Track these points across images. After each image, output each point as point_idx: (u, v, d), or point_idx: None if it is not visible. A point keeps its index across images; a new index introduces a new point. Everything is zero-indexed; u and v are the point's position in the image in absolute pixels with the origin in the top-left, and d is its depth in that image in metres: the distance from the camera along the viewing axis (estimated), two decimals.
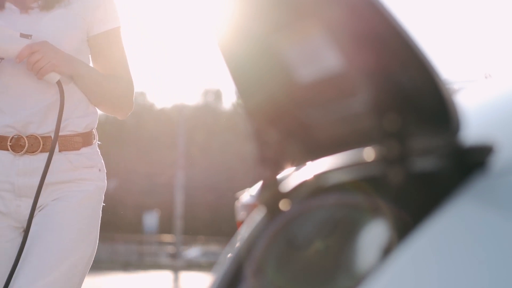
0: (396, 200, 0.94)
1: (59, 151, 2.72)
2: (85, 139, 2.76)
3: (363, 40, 0.95)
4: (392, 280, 0.88)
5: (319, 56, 1.09)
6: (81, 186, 2.73)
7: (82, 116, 2.76)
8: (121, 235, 39.42)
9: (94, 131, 2.81)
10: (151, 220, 36.98)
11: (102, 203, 2.80)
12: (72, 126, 2.74)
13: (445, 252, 0.85)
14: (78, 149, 2.74)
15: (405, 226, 0.92)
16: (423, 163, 0.98)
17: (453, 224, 0.87)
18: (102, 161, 2.82)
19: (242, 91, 1.27)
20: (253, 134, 1.25)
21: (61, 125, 2.70)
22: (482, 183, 0.89)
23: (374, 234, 1.07)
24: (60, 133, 2.71)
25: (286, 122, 1.25)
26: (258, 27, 1.18)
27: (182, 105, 30.26)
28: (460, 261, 0.83)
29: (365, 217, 1.12)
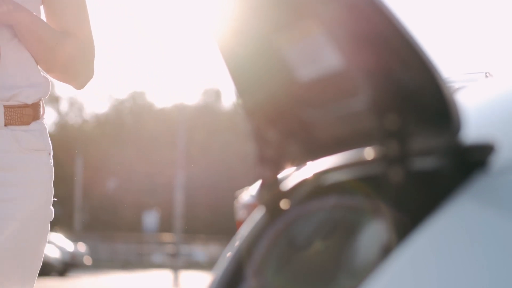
0: (396, 199, 0.94)
1: (5, 125, 2.12)
2: (35, 112, 2.18)
3: (363, 39, 0.95)
4: (392, 280, 0.88)
5: (320, 56, 1.09)
6: (26, 194, 2.12)
7: (34, 85, 2.18)
8: (121, 234, 39.43)
9: (42, 101, 2.23)
10: (151, 219, 37.00)
11: (52, 198, 2.21)
12: (23, 96, 2.15)
13: (445, 252, 0.85)
14: (27, 123, 2.16)
15: (405, 226, 0.92)
16: (424, 163, 0.98)
17: (453, 224, 0.87)
18: (49, 140, 2.25)
19: (241, 91, 1.27)
20: (253, 133, 1.25)
21: (9, 95, 2.12)
22: (482, 182, 0.89)
23: (374, 234, 1.06)
24: (7, 103, 2.13)
25: (286, 121, 1.25)
26: (258, 27, 1.18)
27: (182, 105, 30.25)
28: (460, 261, 0.83)
29: (365, 217, 1.12)
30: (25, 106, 2.14)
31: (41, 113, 2.20)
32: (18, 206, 2.10)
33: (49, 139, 2.22)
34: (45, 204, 2.17)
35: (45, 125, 2.22)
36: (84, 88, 2.31)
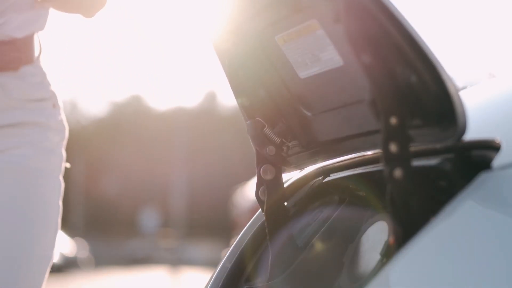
0: (400, 200, 0.93)
1: None
2: (26, 52, 1.60)
3: (367, 38, 0.94)
4: (396, 280, 0.87)
5: (321, 55, 1.08)
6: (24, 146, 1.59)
7: (26, 9, 1.60)
8: (121, 233, 39.55)
9: (37, 36, 1.64)
10: (150, 218, 37.11)
11: (65, 163, 1.67)
12: (10, 26, 1.58)
13: (449, 252, 0.84)
14: (15, 69, 1.58)
15: (409, 226, 0.92)
16: (428, 163, 0.98)
17: (457, 224, 0.87)
18: (53, 89, 1.66)
19: (241, 91, 1.26)
20: (253, 134, 1.25)
21: None
22: (486, 182, 0.89)
23: (377, 235, 1.06)
24: None
25: (287, 122, 1.24)
26: (257, 27, 1.17)
27: (182, 106, 30.41)
28: (465, 260, 0.82)
29: (368, 218, 1.11)
30: (11, 41, 1.58)
31: (37, 54, 1.63)
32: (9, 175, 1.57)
33: (51, 85, 1.65)
34: (51, 174, 1.62)
35: (43, 70, 1.64)
36: (95, 16, 1.70)
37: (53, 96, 1.64)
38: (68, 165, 1.69)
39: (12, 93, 1.58)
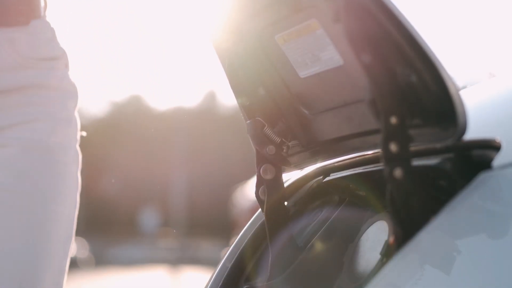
0: (400, 199, 0.93)
1: None
2: (33, 5, 1.49)
3: (367, 38, 0.94)
4: (398, 279, 0.87)
5: (321, 55, 1.08)
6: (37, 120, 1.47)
7: None
8: (121, 233, 39.55)
9: None
10: (150, 218, 37.12)
11: (81, 133, 1.57)
12: None
13: (449, 251, 0.84)
14: (25, 23, 1.46)
15: (410, 225, 0.92)
16: (428, 163, 0.97)
17: (457, 223, 0.87)
18: (63, 47, 1.54)
19: (242, 92, 1.26)
20: (253, 133, 1.24)
21: None
22: (486, 182, 0.88)
23: (378, 235, 1.06)
24: None
25: (287, 121, 1.24)
26: (257, 27, 1.17)
27: (182, 106, 30.37)
28: (465, 260, 0.82)
29: (369, 218, 1.11)
30: None
31: (42, 5, 1.51)
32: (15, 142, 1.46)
33: (61, 45, 1.54)
34: (69, 146, 1.52)
35: (51, 26, 1.52)
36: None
37: (64, 54, 1.52)
38: (84, 133, 1.58)
39: (23, 50, 1.45)
